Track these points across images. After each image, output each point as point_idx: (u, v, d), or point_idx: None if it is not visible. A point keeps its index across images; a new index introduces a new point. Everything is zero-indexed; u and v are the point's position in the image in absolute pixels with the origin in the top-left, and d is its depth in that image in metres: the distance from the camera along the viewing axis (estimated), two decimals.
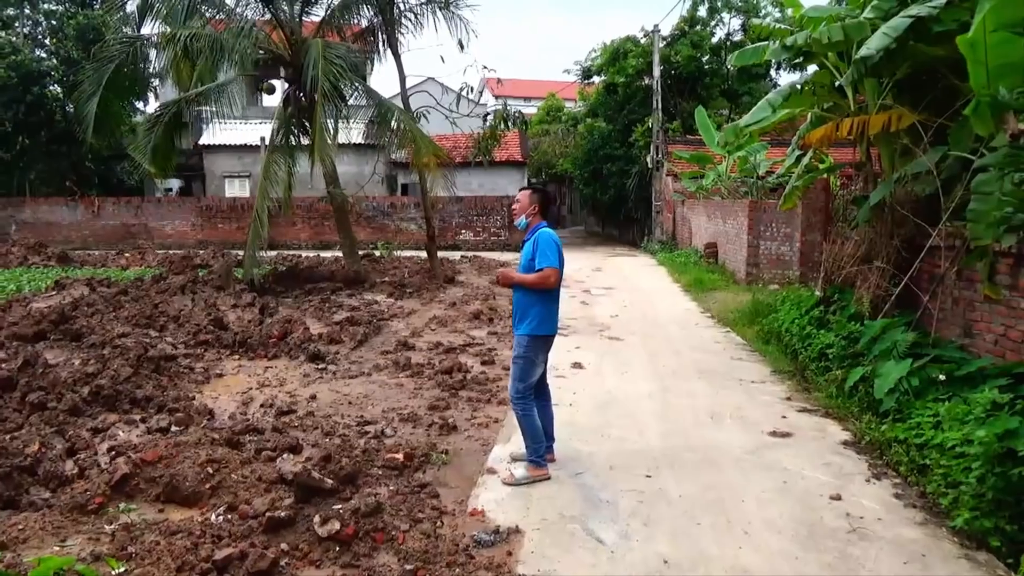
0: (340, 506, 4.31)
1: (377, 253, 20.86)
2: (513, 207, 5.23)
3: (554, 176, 39.84)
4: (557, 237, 5.05)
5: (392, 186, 28.91)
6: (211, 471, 4.77)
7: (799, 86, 8.63)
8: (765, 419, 6.34)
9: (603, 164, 28.68)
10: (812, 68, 8.53)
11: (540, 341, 4.98)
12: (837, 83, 8.08)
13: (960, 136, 6.35)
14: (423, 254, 17.53)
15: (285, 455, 5.30)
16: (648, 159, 25.66)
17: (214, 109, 14.33)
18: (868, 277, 7.48)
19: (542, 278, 4.87)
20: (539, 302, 4.94)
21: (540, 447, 5.04)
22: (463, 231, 26.65)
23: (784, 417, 6.40)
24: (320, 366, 8.25)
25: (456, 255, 22.87)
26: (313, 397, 6.98)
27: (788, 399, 6.98)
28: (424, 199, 15.88)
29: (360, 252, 18.33)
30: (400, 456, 5.21)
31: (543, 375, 5.22)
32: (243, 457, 5.11)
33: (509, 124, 17.83)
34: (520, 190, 5.22)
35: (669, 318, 11.69)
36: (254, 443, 5.51)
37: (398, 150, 16.40)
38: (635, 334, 10.30)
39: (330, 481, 4.56)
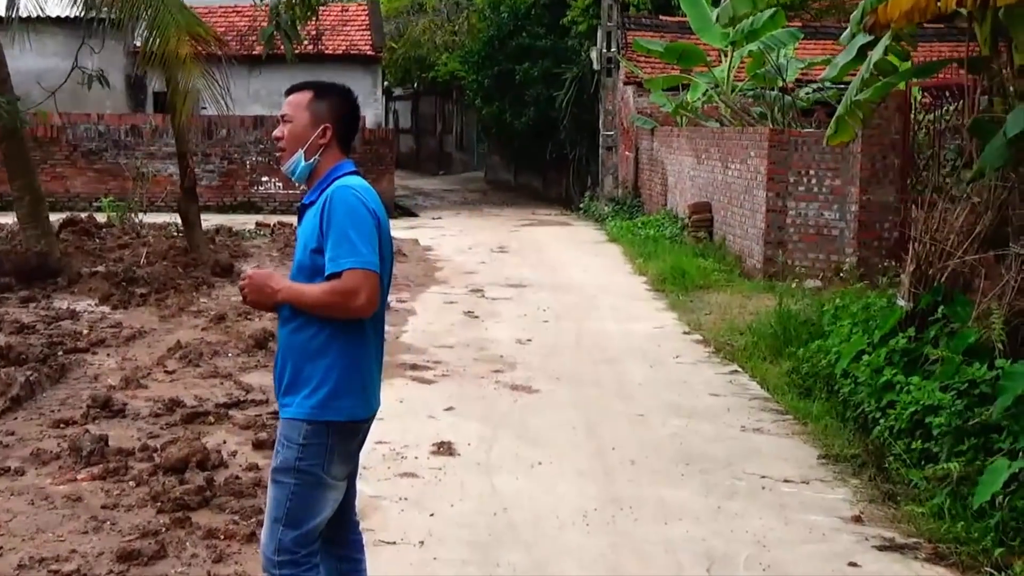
0: None
1: (100, 217, 20.29)
2: (277, 133, 4.41)
3: (433, 83, 40.51)
4: (375, 196, 4.22)
5: (138, 97, 28.65)
6: None
7: None
8: (816, 569, 5.76)
9: (516, 64, 28.79)
10: None
11: (335, 434, 4.07)
12: None
13: None
14: None
15: None
16: (594, 56, 25.67)
17: None
18: (1000, 274, 7.50)
19: (337, 295, 3.94)
20: (334, 344, 4.06)
21: None
22: (265, 178, 26.38)
23: (853, 564, 5.82)
24: None
25: (250, 220, 22.64)
26: None
27: (857, 520, 6.48)
28: (175, 119, 15.27)
29: (62, 216, 18.12)
30: None
31: (347, 502, 4.38)
32: None
33: None
34: (287, 93, 4.38)
35: (625, 344, 11.57)
36: None
37: (135, 30, 16.13)
38: (560, 378, 9.99)
39: None
